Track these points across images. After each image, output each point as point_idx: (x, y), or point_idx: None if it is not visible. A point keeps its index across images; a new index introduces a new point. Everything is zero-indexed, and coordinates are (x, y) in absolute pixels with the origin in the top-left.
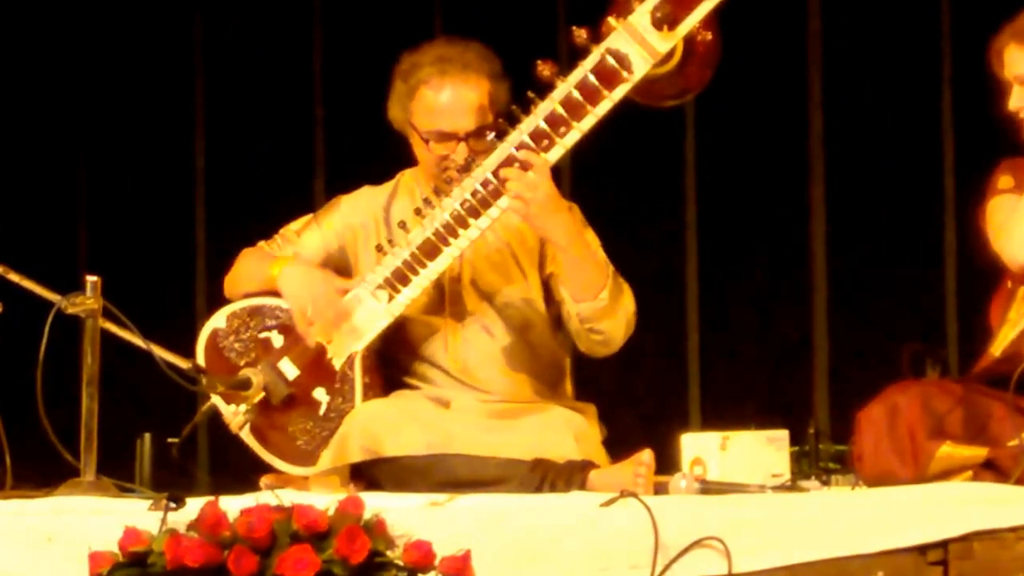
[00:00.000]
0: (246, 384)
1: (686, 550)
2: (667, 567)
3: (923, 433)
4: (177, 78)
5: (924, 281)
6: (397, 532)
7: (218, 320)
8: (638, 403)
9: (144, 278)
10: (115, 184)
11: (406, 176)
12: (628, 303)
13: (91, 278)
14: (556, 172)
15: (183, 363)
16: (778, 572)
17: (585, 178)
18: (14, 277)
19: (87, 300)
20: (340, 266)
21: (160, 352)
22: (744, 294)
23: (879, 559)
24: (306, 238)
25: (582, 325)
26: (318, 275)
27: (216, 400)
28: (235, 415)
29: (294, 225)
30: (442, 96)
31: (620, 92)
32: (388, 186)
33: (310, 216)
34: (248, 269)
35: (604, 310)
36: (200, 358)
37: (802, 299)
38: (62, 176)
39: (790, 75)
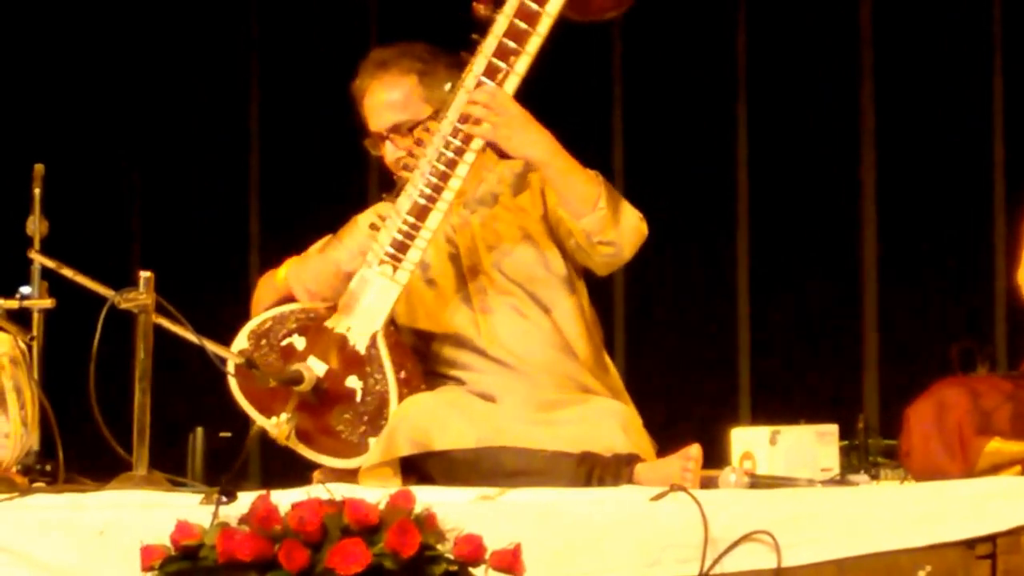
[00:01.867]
0: (298, 379)
1: (735, 544)
2: (716, 561)
3: (971, 429)
4: (232, 72)
5: (974, 277)
6: (448, 526)
7: (240, 342)
8: (687, 397)
9: (197, 274)
10: (169, 180)
11: None
12: (630, 210)
13: (144, 273)
14: (610, 169)
15: (235, 358)
16: (827, 566)
17: (637, 180)
18: (67, 272)
19: (140, 295)
20: None
21: (212, 347)
22: (793, 288)
23: (927, 553)
24: (328, 255)
25: (591, 240)
26: (316, 255)
27: (256, 416)
28: (277, 426)
29: (315, 246)
30: (367, 99)
31: (554, 6)
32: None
33: (329, 236)
34: (263, 289)
35: (606, 219)
36: (232, 383)
37: (852, 294)
38: (116, 172)
39: (840, 80)
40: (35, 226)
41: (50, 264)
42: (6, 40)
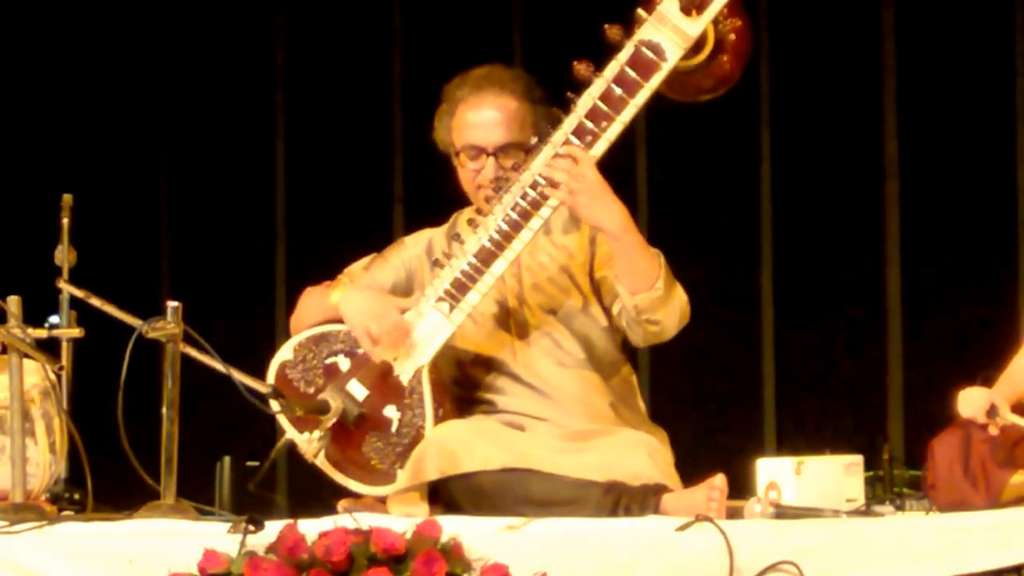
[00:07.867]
0: (325, 408)
1: (761, 574)
2: None
3: (995, 462)
4: (259, 105)
5: (998, 309)
6: (474, 555)
7: (285, 352)
8: (713, 428)
9: (225, 304)
10: (198, 210)
11: (463, 214)
12: (681, 293)
13: (172, 303)
14: (634, 198)
15: (262, 387)
16: None
17: (662, 204)
18: (96, 302)
19: (168, 325)
20: (407, 295)
21: (240, 376)
22: (819, 319)
23: None
24: (373, 272)
25: (639, 316)
26: (377, 295)
27: (289, 429)
28: (309, 443)
29: (358, 264)
30: (474, 111)
31: (656, 80)
32: (446, 226)
33: (374, 255)
34: (310, 304)
35: (660, 299)
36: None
37: (877, 325)
38: (145, 202)
39: (864, 102)
40: (63, 256)
41: (79, 294)
42: (37, 75)
